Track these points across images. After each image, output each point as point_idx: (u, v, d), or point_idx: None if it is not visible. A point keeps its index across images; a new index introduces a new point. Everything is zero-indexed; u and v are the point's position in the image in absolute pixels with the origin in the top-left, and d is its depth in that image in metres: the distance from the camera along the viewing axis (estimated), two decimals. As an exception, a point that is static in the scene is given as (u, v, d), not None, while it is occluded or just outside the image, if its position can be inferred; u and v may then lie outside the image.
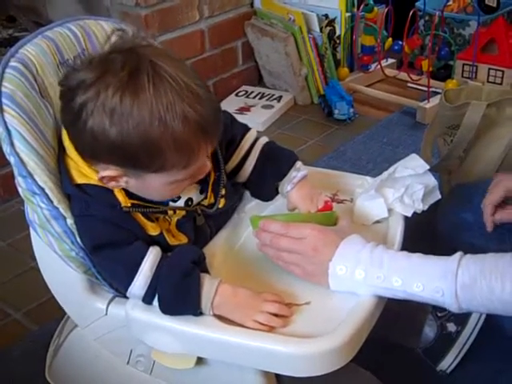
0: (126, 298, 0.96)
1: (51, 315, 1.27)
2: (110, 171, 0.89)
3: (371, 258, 0.92)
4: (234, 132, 1.07)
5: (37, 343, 1.35)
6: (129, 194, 0.93)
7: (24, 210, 0.99)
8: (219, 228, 1.07)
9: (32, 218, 0.96)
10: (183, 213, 0.99)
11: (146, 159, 0.86)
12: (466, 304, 0.89)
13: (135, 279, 0.91)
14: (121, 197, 0.93)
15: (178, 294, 0.91)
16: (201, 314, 0.91)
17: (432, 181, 1.13)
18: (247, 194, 1.14)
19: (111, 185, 0.92)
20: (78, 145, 0.91)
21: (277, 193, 1.09)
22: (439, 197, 1.14)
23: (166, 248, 0.95)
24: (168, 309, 0.91)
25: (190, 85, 0.85)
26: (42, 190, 0.92)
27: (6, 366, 1.34)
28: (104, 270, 0.96)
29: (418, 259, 0.93)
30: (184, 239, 0.98)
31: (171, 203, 0.98)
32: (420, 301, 0.92)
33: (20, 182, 0.93)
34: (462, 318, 1.21)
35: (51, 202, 0.92)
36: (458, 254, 0.90)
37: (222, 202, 1.03)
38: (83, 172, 0.93)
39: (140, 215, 0.94)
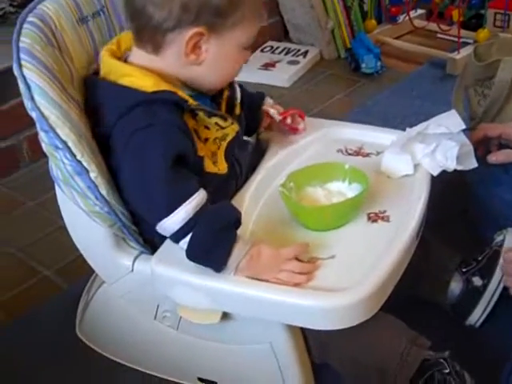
0: (152, 254, 0.96)
1: (81, 272, 1.28)
2: (195, 29, 0.91)
3: None
4: None
5: (67, 300, 1.37)
6: (191, 97, 0.95)
7: (51, 169, 0.99)
8: (246, 168, 1.09)
9: (56, 174, 0.96)
10: (234, 134, 1.00)
11: (228, 7, 0.92)
12: None
13: (175, 212, 0.88)
14: (186, 96, 0.94)
15: (213, 242, 0.88)
16: (221, 270, 0.89)
17: (467, 142, 1.08)
18: (268, 152, 1.14)
19: (192, 58, 0.94)
20: (159, 22, 0.91)
21: None
22: (475, 165, 1.09)
23: (197, 175, 0.94)
24: (195, 254, 0.89)
25: None
26: (65, 143, 0.91)
27: (39, 323, 1.36)
28: (147, 194, 0.92)
29: None
30: (223, 169, 0.99)
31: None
32: None
33: (43, 136, 0.93)
34: (487, 271, 1.20)
35: (74, 156, 0.91)
36: None
37: (237, 110, 1.07)
38: (147, 82, 0.93)
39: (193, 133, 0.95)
